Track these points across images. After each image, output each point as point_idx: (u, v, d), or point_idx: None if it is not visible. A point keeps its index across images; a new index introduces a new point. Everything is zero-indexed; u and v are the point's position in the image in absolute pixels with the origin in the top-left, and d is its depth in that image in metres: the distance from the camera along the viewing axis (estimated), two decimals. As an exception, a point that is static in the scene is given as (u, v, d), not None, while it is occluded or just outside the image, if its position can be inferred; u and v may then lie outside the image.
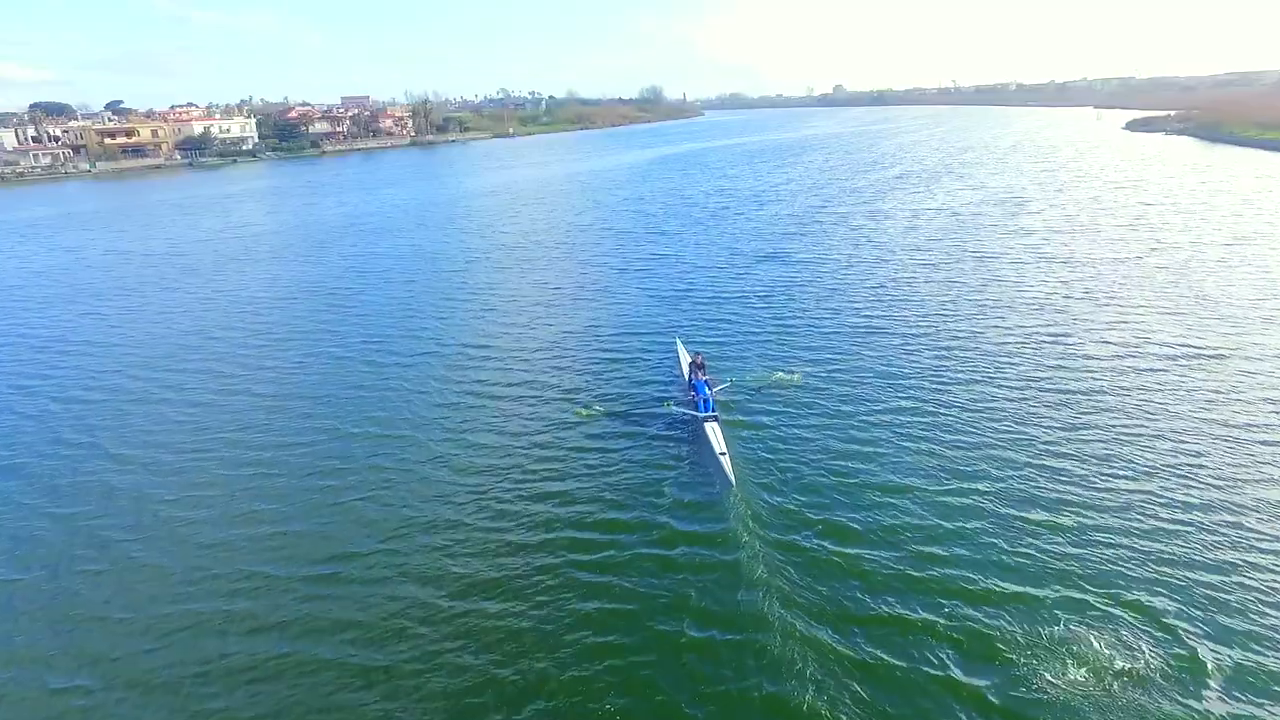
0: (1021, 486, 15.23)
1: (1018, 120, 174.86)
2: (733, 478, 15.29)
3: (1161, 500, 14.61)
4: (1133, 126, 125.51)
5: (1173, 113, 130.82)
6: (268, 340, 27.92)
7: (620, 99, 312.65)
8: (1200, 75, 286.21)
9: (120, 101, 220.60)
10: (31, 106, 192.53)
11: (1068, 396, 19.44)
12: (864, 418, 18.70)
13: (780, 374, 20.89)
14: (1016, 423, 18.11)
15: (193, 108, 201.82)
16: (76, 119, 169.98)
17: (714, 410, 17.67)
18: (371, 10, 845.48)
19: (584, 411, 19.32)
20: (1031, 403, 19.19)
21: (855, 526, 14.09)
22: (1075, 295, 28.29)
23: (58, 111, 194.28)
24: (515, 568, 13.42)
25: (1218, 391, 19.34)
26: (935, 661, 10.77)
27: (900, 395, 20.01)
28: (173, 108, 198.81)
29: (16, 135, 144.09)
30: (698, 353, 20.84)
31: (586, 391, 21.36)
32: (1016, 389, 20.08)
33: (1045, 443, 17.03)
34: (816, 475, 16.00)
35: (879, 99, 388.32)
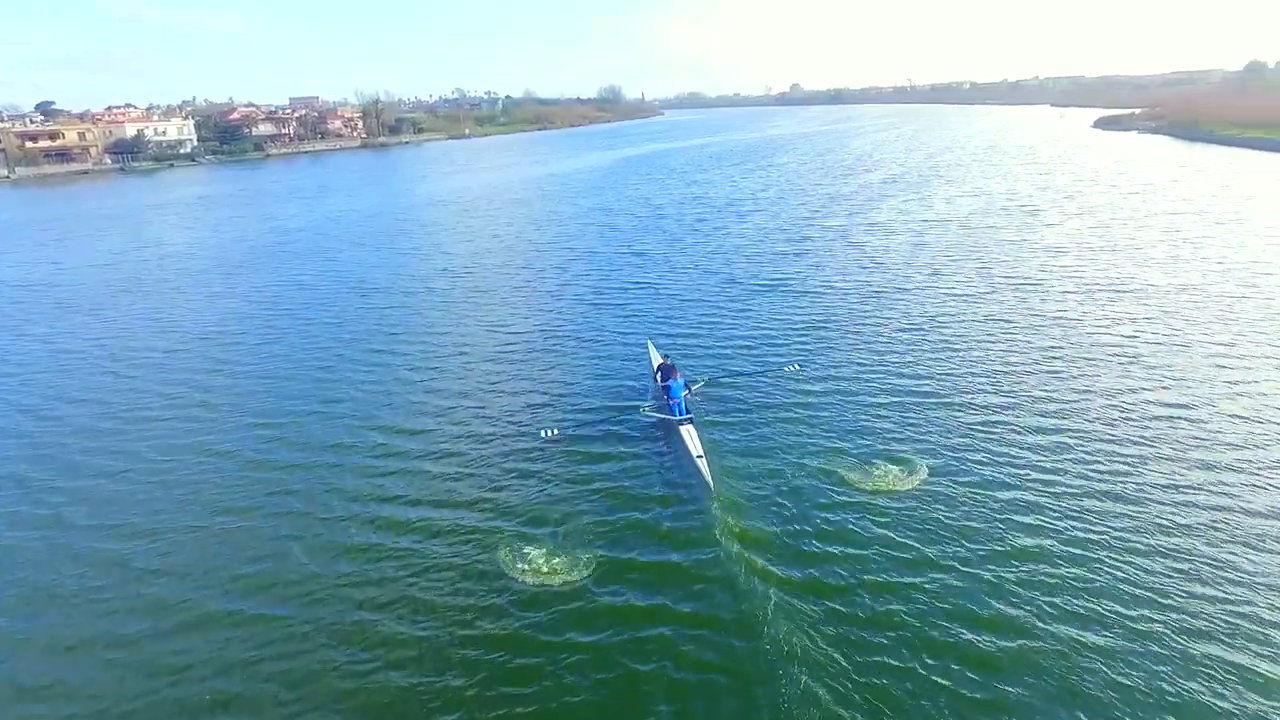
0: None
1: (980, 119, 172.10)
2: (711, 481, 14.73)
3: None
4: (1101, 125, 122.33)
5: (1137, 111, 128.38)
6: (124, 413, 20.68)
7: (579, 99, 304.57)
8: (1149, 74, 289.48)
9: (52, 102, 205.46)
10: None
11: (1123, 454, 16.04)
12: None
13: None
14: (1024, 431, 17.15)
15: (131, 108, 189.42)
16: (2, 120, 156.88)
17: (688, 413, 17.02)
18: (323, 10, 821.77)
19: (552, 433, 17.70)
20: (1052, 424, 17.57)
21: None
22: (1152, 338, 22.44)
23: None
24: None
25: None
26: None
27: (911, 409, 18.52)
28: (109, 109, 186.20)
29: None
30: (666, 355, 19.92)
31: (555, 408, 19.83)
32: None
33: (1041, 446, 16.31)
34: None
35: (836, 98, 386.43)
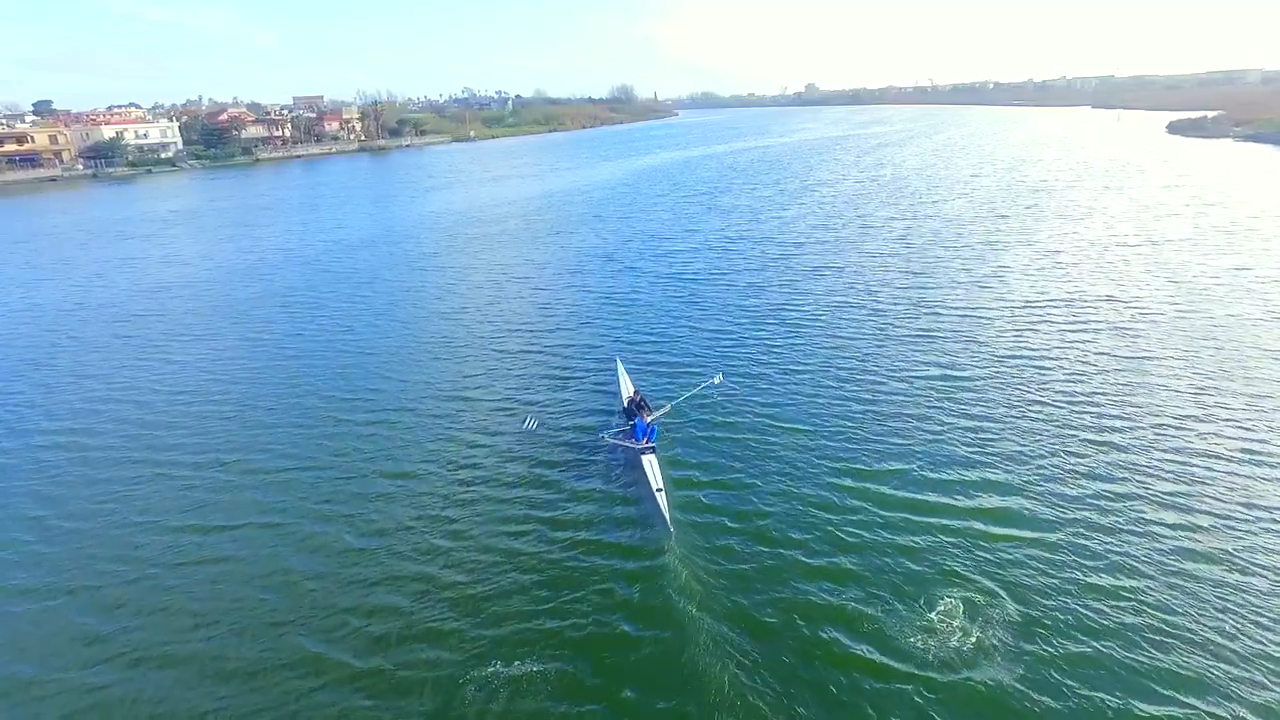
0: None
1: (1024, 122, 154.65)
2: (669, 515, 13.77)
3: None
4: (1178, 131, 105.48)
5: (1212, 114, 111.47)
6: None
7: (590, 99, 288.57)
8: (1183, 74, 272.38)
9: (49, 102, 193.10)
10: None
11: None
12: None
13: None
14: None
15: (134, 108, 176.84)
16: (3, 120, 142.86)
17: (652, 441, 15.90)
18: (330, 8, 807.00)
19: (532, 423, 17.39)
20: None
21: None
22: None
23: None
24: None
25: None
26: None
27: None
28: (111, 108, 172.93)
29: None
30: (636, 390, 18.81)
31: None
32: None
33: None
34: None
35: (854, 98, 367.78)
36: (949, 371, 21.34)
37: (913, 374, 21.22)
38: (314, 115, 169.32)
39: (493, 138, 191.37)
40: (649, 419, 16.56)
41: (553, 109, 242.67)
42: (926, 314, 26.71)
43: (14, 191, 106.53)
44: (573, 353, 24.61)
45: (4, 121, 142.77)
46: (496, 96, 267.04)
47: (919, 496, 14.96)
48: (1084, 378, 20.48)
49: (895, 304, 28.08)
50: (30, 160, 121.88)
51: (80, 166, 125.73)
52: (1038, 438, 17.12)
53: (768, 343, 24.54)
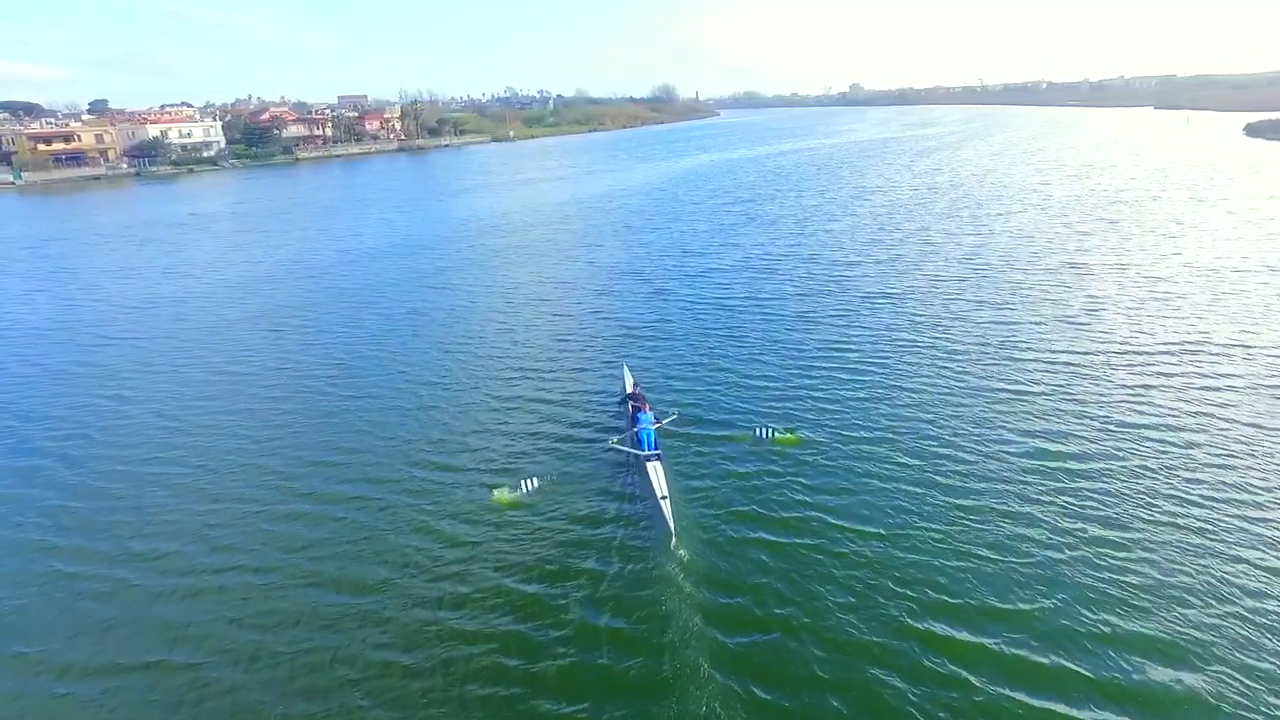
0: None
1: (1088, 123, 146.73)
2: (672, 524, 13.33)
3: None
4: (1258, 132, 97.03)
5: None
6: None
7: (631, 98, 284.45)
8: (1250, 73, 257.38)
9: (106, 101, 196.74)
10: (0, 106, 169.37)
11: None
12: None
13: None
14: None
15: (186, 107, 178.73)
16: (56, 120, 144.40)
17: (656, 448, 15.60)
18: (380, 9, 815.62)
19: (502, 496, 15.29)
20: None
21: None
22: None
23: (27, 111, 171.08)
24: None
25: None
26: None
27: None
28: (163, 107, 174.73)
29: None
30: (635, 383, 19.31)
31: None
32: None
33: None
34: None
35: (902, 98, 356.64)
36: (1046, 445, 16.58)
37: (1000, 444, 16.50)
38: (355, 115, 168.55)
39: (532, 137, 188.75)
40: (654, 425, 16.30)
41: (593, 109, 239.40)
42: (1008, 361, 21.87)
43: (58, 190, 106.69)
44: (585, 394, 20.57)
45: (55, 121, 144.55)
46: (538, 96, 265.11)
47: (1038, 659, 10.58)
48: (1228, 459, 15.55)
49: (968, 347, 23.28)
50: (76, 159, 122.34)
51: (124, 165, 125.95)
52: (1180, 570, 12.39)
53: (813, 393, 19.99)
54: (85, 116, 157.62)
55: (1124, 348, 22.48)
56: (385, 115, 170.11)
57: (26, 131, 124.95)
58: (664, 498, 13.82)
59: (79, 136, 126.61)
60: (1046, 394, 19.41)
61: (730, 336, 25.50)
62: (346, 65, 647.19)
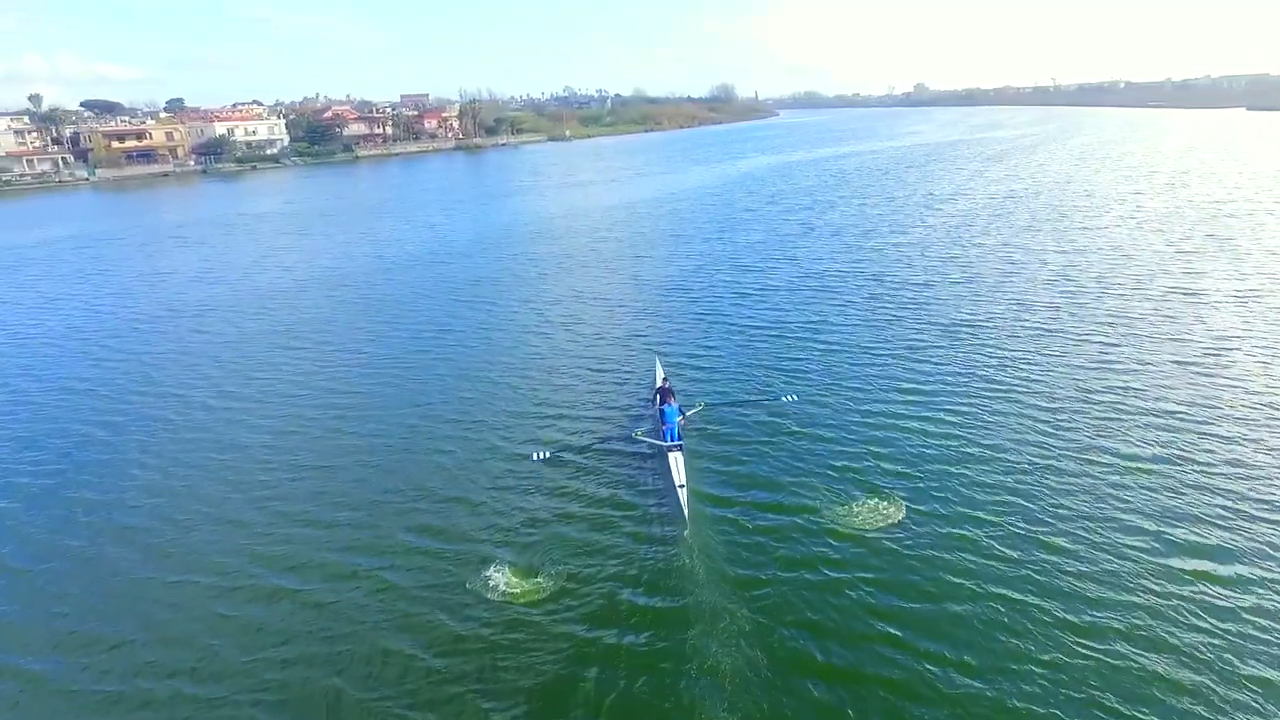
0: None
1: (1174, 125, 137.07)
2: (688, 513, 13.82)
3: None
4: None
5: None
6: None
7: (689, 98, 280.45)
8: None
9: (181, 100, 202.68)
10: (82, 104, 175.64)
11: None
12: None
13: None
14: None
15: (257, 104, 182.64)
16: (134, 118, 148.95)
17: (679, 439, 15.91)
18: (444, 9, 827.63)
19: (543, 455, 16.77)
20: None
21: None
22: None
23: (108, 110, 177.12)
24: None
25: None
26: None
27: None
28: (235, 105, 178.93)
29: (17, 137, 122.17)
30: (665, 376, 19.43)
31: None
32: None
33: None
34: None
35: (968, 99, 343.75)
36: (1173, 532, 12.92)
37: (1113, 529, 12.93)
38: (414, 113, 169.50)
39: (588, 137, 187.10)
40: (680, 418, 16.71)
41: (650, 108, 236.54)
42: (1117, 415, 18.04)
43: (130, 186, 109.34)
44: (617, 404, 17.72)
45: (132, 119, 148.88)
46: (596, 95, 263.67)
47: None
48: None
49: (1067, 395, 19.45)
50: (147, 155, 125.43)
51: (192, 162, 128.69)
52: None
53: (881, 447, 16.63)
54: (161, 114, 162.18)
55: (1259, 401, 18.43)
56: (444, 114, 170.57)
57: (101, 129, 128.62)
58: (681, 486, 14.24)
59: (150, 134, 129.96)
60: (1172, 462, 15.64)
61: (789, 374, 22.20)
62: (411, 65, 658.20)
